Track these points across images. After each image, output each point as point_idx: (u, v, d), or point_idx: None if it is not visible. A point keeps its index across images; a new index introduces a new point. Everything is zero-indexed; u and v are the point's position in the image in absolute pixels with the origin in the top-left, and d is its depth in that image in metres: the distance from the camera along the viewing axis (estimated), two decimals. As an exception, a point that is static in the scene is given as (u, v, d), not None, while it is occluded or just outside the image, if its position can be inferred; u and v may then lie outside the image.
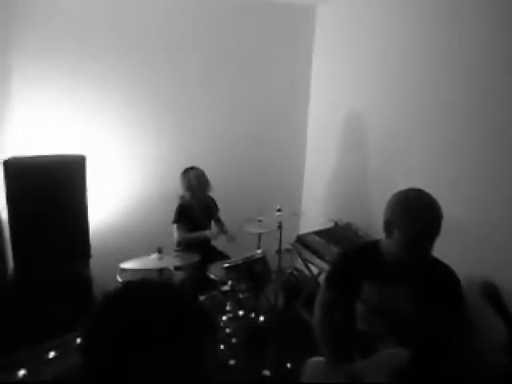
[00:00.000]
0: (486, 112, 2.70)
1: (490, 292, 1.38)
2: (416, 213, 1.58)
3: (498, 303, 1.36)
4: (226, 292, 3.05)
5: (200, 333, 0.65)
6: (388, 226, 1.66)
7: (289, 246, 4.03)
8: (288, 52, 4.25)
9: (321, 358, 1.90)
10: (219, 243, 3.77)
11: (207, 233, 3.53)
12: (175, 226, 3.47)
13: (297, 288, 3.96)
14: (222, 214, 3.75)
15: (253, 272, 3.09)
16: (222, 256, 3.55)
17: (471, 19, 2.77)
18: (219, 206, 3.75)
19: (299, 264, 4.20)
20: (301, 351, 2.92)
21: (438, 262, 1.76)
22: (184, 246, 3.45)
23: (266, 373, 2.64)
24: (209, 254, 3.54)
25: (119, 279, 3.10)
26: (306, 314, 3.67)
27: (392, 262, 1.69)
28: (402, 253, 1.66)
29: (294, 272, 4.25)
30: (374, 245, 1.80)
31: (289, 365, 2.94)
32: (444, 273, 1.72)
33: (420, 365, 1.62)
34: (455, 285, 1.71)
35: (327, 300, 1.90)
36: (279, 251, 3.33)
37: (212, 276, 3.26)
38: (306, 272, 3.95)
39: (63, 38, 3.24)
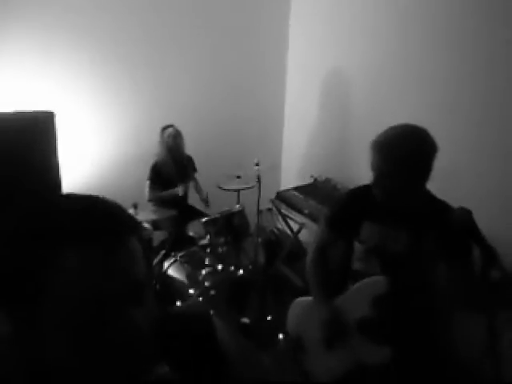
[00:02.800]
0: (481, 71, 2.62)
1: (464, 217, 1.37)
2: (380, 142, 1.57)
3: (472, 228, 1.35)
4: (204, 246, 3.04)
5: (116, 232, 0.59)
6: (371, 166, 1.64)
7: (269, 205, 4.02)
8: (264, 13, 4.12)
9: (306, 299, 1.92)
10: (198, 203, 3.73)
11: (176, 190, 3.47)
12: (147, 183, 3.41)
13: (277, 246, 3.96)
14: (201, 172, 3.69)
15: (231, 225, 3.07)
16: (201, 214, 3.52)
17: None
18: (197, 164, 3.68)
19: (279, 223, 4.20)
20: (281, 307, 2.96)
21: (439, 203, 1.67)
22: (159, 204, 3.41)
23: (245, 320, 2.65)
24: (187, 212, 3.51)
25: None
26: (287, 271, 3.69)
27: (387, 204, 1.67)
28: (376, 190, 1.65)
29: (275, 230, 4.25)
30: (367, 187, 1.77)
31: (269, 317, 2.97)
32: (446, 214, 1.53)
33: (399, 291, 1.62)
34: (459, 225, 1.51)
35: (325, 239, 1.90)
36: (258, 207, 3.30)
37: (191, 233, 3.25)
38: (287, 229, 3.95)
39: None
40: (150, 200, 3.41)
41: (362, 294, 1.71)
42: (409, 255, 1.67)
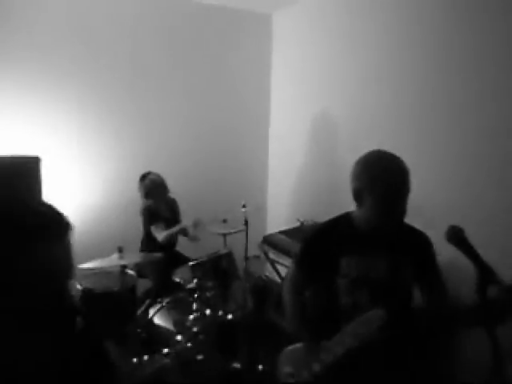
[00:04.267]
0: (460, 108, 2.71)
1: (457, 235, 1.37)
2: (385, 172, 1.56)
3: (465, 245, 1.35)
4: (192, 291, 2.94)
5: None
6: (358, 195, 1.62)
7: (256, 252, 3.97)
8: (247, 57, 4.32)
9: (296, 345, 1.79)
10: (184, 249, 3.66)
11: (183, 225, 3.42)
12: (152, 228, 3.35)
13: (266, 291, 3.86)
14: (186, 216, 3.65)
15: (219, 269, 3.00)
16: (187, 260, 3.44)
17: (426, 19, 2.91)
18: (182, 208, 3.66)
19: (267, 269, 4.13)
20: (272, 354, 2.83)
21: (412, 229, 1.75)
22: (146, 249, 3.34)
23: (236, 365, 2.52)
24: (173, 258, 3.43)
25: (78, 287, 2.94)
26: (278, 318, 3.58)
27: (367, 232, 1.65)
28: (376, 219, 1.62)
29: (263, 276, 4.17)
30: (345, 217, 1.75)
31: (260, 366, 2.83)
32: (419, 238, 1.73)
33: (397, 323, 1.57)
34: (430, 249, 1.73)
35: (298, 280, 1.81)
36: (246, 250, 3.25)
37: (177, 279, 3.15)
38: (275, 275, 3.87)
39: (18, 38, 3.16)
40: (163, 240, 3.32)
41: (358, 328, 1.61)
42: (394, 281, 1.66)
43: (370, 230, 1.65)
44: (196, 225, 3.43)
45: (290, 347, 1.82)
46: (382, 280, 1.66)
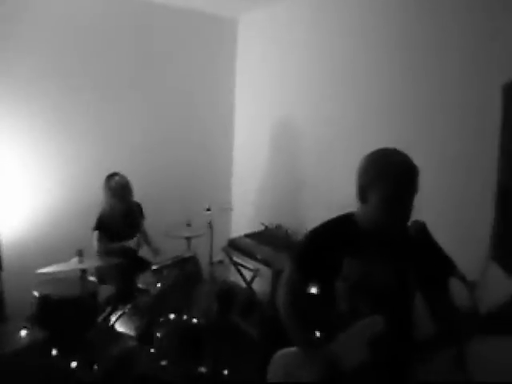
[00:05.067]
0: (424, 116, 2.76)
1: (419, 228, 1.41)
2: (392, 166, 1.46)
3: (427, 238, 1.40)
4: (155, 295, 2.87)
5: None
6: (363, 193, 1.52)
7: (220, 257, 3.94)
8: (211, 61, 4.32)
9: (289, 349, 1.71)
10: (147, 254, 3.58)
11: (129, 243, 3.32)
12: (95, 233, 3.24)
13: (230, 296, 3.84)
14: (149, 221, 3.57)
15: (183, 272, 2.95)
16: (150, 265, 3.36)
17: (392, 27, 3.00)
18: (145, 211, 3.58)
19: (232, 274, 4.11)
20: (237, 359, 2.81)
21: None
22: (106, 255, 3.23)
23: (202, 370, 2.47)
24: (136, 264, 3.34)
25: (35, 294, 2.80)
26: (243, 323, 3.56)
27: (371, 232, 1.54)
28: (381, 217, 1.49)
29: (227, 281, 4.15)
30: (348, 217, 1.63)
31: (226, 371, 2.80)
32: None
33: (396, 329, 1.49)
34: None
35: (295, 281, 1.68)
36: (211, 253, 3.22)
37: (140, 285, 3.07)
38: (240, 279, 3.85)
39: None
40: (98, 252, 3.21)
41: (357, 335, 1.52)
42: (396, 287, 1.55)
43: (374, 231, 1.54)
44: (155, 252, 3.48)
45: (284, 350, 1.74)
46: (383, 286, 1.55)
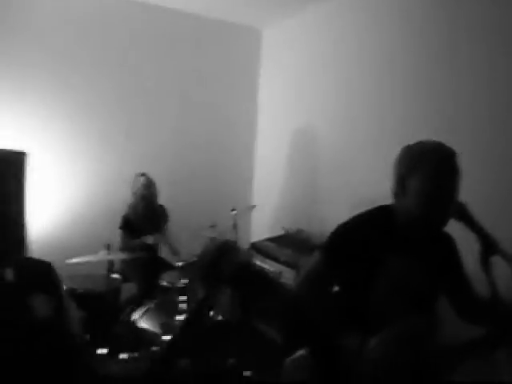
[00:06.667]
0: (448, 122, 2.75)
1: (460, 210, 1.42)
2: (433, 152, 1.41)
3: (468, 218, 1.40)
4: (180, 292, 2.89)
5: None
6: (401, 182, 1.44)
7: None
8: (235, 69, 4.42)
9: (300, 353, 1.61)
10: (167, 256, 3.61)
11: (146, 238, 3.36)
12: (119, 232, 3.33)
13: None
14: (174, 223, 3.61)
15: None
16: (170, 266, 3.38)
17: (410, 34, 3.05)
18: (170, 213, 3.62)
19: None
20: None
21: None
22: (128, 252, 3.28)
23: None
24: (156, 263, 3.38)
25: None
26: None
27: (408, 228, 1.46)
28: (421, 208, 1.40)
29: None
30: (382, 210, 1.53)
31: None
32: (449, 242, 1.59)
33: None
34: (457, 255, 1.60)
35: (323, 276, 1.54)
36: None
37: (165, 282, 3.09)
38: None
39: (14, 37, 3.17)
40: (122, 249, 3.26)
41: (399, 336, 1.39)
42: (431, 287, 1.49)
43: (412, 226, 1.45)
44: (174, 253, 3.52)
45: (294, 357, 1.64)
46: (421, 285, 1.47)
